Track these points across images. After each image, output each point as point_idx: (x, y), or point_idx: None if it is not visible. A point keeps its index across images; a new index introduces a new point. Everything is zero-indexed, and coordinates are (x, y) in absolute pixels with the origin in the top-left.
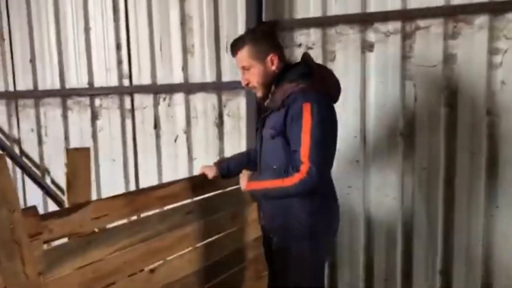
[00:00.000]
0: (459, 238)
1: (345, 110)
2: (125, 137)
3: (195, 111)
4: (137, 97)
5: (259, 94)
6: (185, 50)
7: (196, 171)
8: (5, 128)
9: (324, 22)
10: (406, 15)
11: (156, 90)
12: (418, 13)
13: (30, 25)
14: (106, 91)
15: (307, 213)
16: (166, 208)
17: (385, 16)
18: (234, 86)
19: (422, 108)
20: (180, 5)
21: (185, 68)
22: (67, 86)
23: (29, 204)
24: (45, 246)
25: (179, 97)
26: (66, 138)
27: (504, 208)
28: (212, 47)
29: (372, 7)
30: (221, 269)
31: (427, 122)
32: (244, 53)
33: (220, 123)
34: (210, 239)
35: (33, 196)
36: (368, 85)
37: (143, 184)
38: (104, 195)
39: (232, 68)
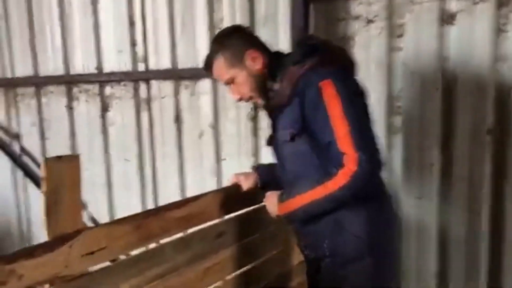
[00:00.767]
0: None
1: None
2: (141, 132)
3: (224, 101)
4: (155, 84)
5: (260, 101)
6: (212, 26)
7: (225, 173)
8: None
9: None
10: None
11: (177, 75)
12: None
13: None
14: (117, 77)
15: (363, 222)
16: (187, 232)
17: None
18: None
19: None
20: None
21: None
22: (72, 71)
23: (33, 214)
24: None
25: (205, 84)
26: (72, 133)
27: None
28: (245, 22)
29: None
30: None
31: None
32: (219, 64)
33: (255, 116)
34: (244, 268)
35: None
36: (447, 68)
37: (162, 190)
38: (117, 205)
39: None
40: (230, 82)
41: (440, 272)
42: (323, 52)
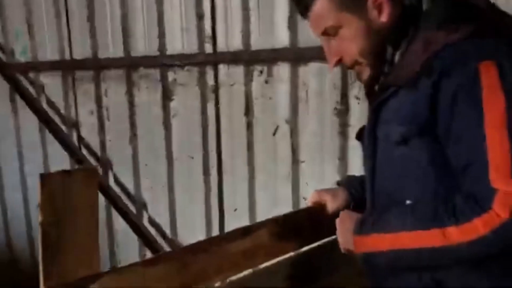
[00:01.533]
0: None
1: None
2: (206, 125)
3: (305, 90)
4: (223, 69)
5: (368, 73)
6: None
7: (302, 180)
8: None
9: None
10: None
11: (250, 58)
12: None
13: None
14: (181, 60)
15: None
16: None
17: None
18: None
19: None
20: None
21: (292, 26)
22: (133, 53)
23: None
24: None
25: (282, 70)
26: (132, 124)
27: None
28: None
29: None
30: None
31: None
32: (324, 2)
33: (344, 110)
34: None
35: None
36: None
37: (228, 194)
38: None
39: None
40: (331, 32)
41: None
42: (485, 15)
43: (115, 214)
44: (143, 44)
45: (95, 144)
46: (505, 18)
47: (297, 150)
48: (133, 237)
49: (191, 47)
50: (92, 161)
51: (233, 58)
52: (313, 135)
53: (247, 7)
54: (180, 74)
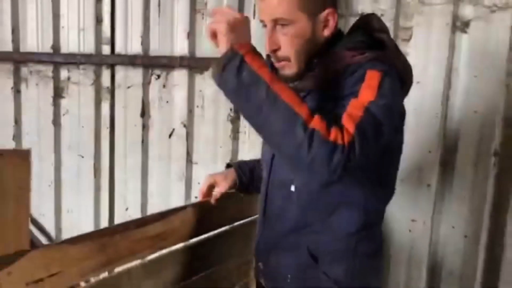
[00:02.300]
0: None
1: (419, 113)
2: (99, 125)
3: (202, 96)
4: (120, 70)
5: (292, 70)
6: (194, 9)
7: (195, 180)
8: None
9: None
10: None
11: (148, 63)
12: None
13: None
14: (76, 60)
15: (350, 267)
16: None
17: None
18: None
19: None
20: None
21: (192, 34)
22: (22, 49)
23: None
24: None
25: (180, 75)
26: (17, 121)
27: None
28: (234, 5)
29: None
30: None
31: None
32: None
33: (236, 117)
34: None
35: None
36: (455, 80)
37: (119, 197)
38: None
39: None
40: (279, 24)
41: None
42: (389, 48)
43: None
44: (35, 41)
45: None
46: (400, 56)
47: (192, 152)
48: None
49: (88, 48)
50: None
51: (131, 61)
52: (207, 138)
53: (147, 16)
54: (74, 73)
